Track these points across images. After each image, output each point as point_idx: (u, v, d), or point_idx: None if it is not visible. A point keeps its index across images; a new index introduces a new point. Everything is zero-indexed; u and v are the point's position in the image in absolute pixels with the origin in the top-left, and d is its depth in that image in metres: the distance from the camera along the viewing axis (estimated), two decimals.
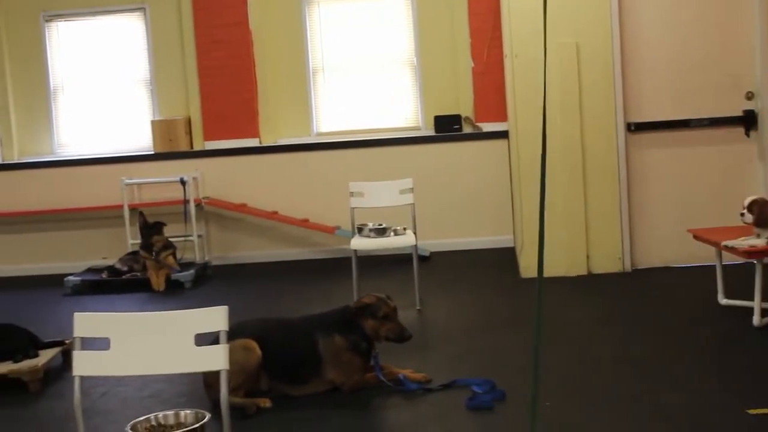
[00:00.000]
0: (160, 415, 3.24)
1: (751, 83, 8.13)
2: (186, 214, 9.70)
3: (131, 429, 3.14)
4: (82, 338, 3.31)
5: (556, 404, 4.90)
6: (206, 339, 3.37)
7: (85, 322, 3.33)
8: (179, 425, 3.18)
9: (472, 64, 9.95)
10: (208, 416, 3.18)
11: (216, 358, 3.24)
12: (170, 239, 9.26)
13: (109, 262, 9.53)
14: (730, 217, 7.14)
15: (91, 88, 10.67)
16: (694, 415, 4.76)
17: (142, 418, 3.22)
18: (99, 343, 3.32)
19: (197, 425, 3.12)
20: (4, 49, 10.50)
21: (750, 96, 8.11)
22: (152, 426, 3.21)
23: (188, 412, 3.25)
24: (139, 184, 10.09)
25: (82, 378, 3.33)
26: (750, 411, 4.67)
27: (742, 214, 6.22)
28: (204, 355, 3.26)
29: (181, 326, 3.28)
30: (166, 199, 9.88)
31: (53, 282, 9.34)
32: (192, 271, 9.10)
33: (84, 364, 3.30)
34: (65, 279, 9.14)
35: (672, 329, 6.37)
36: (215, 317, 3.28)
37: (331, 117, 10.49)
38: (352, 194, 7.70)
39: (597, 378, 5.45)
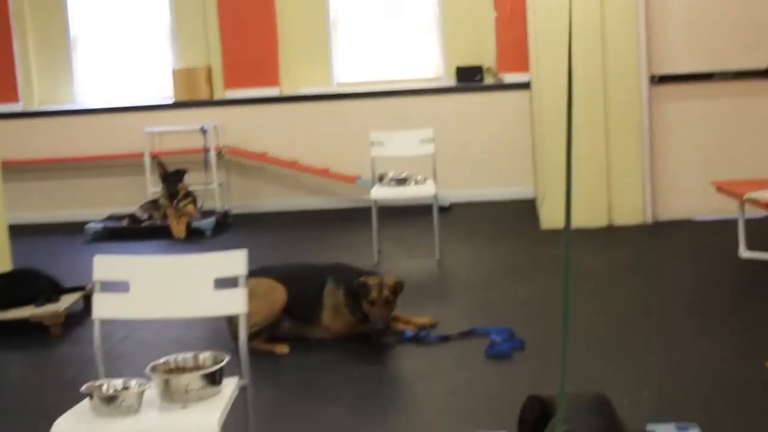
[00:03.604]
0: (180, 357, 3.24)
1: None
2: (206, 163, 9.70)
3: (151, 370, 3.14)
4: (102, 281, 3.32)
5: (572, 356, 4.86)
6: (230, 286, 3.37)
7: (105, 265, 3.34)
8: (197, 367, 3.18)
9: (496, 14, 9.86)
10: (226, 359, 3.18)
11: (235, 302, 3.25)
12: (190, 188, 9.28)
13: (130, 209, 9.55)
14: (753, 170, 7.09)
15: (111, 36, 10.64)
16: (713, 368, 4.75)
17: (161, 361, 3.22)
18: (119, 287, 3.33)
19: (216, 367, 3.12)
20: None
21: None
22: (171, 368, 3.21)
23: (207, 354, 3.24)
24: (160, 133, 10.09)
25: (103, 322, 3.34)
26: None
27: None
28: (223, 298, 3.26)
29: (201, 270, 3.28)
30: (186, 148, 9.88)
31: (74, 229, 9.36)
32: (212, 219, 9.12)
33: (104, 306, 3.32)
34: (86, 226, 9.17)
35: (692, 281, 6.36)
36: (234, 261, 3.28)
37: (352, 66, 10.43)
38: (372, 144, 7.66)
39: (615, 330, 5.45)
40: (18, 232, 7.50)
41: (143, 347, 5.50)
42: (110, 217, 9.56)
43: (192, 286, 3.28)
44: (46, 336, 5.92)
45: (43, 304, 6.13)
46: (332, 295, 5.49)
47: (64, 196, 10.33)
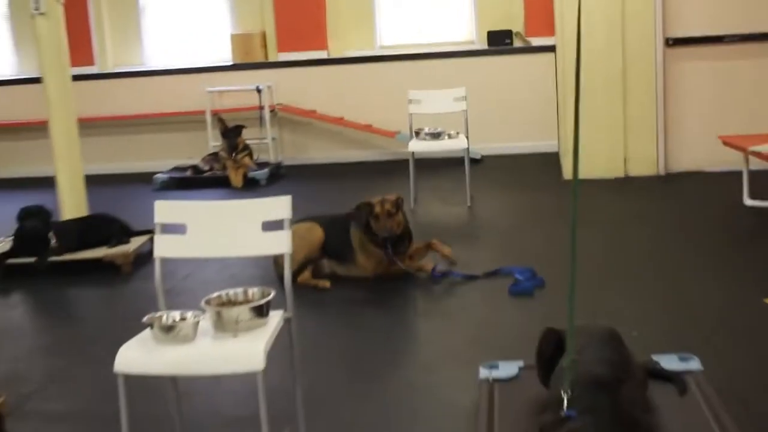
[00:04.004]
0: (231, 292, 3.27)
1: None
2: (261, 119, 9.73)
3: (205, 303, 3.19)
4: (162, 224, 3.35)
5: (586, 294, 4.87)
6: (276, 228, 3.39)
7: (165, 210, 3.36)
8: (247, 301, 3.22)
9: None
10: (273, 293, 3.21)
11: (280, 242, 3.27)
12: (247, 142, 9.33)
13: (193, 161, 9.63)
14: (758, 126, 6.97)
15: (176, 3, 10.67)
16: (715, 304, 4.72)
17: (214, 295, 3.26)
18: (178, 229, 3.36)
19: (263, 301, 3.16)
20: None
21: None
22: (223, 302, 3.25)
23: (255, 289, 3.28)
24: (220, 92, 10.11)
25: (165, 260, 3.37)
26: (767, 300, 4.63)
27: None
28: (270, 239, 3.28)
29: (250, 213, 3.30)
30: (243, 106, 9.91)
31: (143, 179, 9.47)
32: (267, 170, 9.17)
33: (164, 246, 3.34)
34: (154, 176, 9.28)
35: (699, 226, 6.30)
36: (280, 205, 3.28)
37: (393, 31, 10.38)
38: (410, 102, 7.66)
39: (627, 270, 5.43)
40: (93, 181, 7.56)
41: (203, 284, 5.56)
42: (175, 169, 9.65)
43: (241, 229, 3.29)
44: (117, 274, 6.03)
45: (115, 245, 6.25)
46: (356, 236, 5.53)
47: (134, 150, 10.44)
